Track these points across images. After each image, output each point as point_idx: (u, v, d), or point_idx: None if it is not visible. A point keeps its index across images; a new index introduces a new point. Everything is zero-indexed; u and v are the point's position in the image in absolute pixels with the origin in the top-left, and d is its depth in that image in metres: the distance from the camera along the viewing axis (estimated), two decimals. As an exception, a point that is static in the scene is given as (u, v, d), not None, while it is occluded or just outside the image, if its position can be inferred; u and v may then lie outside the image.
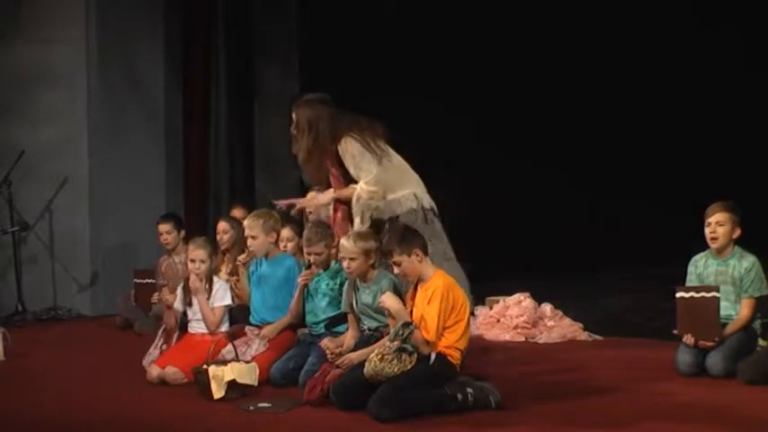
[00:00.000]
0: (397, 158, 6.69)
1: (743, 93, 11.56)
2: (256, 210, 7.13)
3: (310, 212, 7.11)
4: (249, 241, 6.73)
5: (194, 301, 6.58)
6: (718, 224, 6.35)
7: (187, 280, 6.65)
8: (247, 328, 6.70)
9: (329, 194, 6.71)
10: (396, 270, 5.71)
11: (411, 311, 5.67)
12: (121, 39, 9.65)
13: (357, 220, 6.49)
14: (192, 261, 6.57)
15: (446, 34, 10.84)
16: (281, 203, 6.94)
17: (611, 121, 11.63)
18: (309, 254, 6.38)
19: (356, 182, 6.55)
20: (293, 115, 6.65)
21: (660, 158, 11.82)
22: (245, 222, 6.86)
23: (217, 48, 10.42)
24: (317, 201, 6.85)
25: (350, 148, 6.51)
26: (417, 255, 5.65)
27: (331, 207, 6.76)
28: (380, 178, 6.48)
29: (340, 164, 6.59)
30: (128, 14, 9.69)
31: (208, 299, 6.55)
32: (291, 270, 6.67)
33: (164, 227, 8.45)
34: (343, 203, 6.63)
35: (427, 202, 6.64)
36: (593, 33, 11.41)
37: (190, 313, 6.63)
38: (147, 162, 9.90)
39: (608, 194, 11.54)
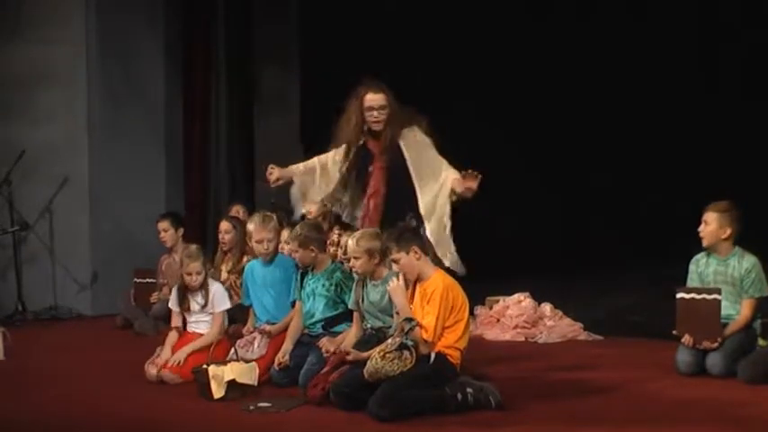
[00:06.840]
0: None
1: (743, 93, 11.56)
2: (259, 211, 7.11)
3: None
4: (265, 244, 6.64)
5: (192, 303, 6.58)
6: (705, 223, 6.40)
7: (183, 283, 6.61)
8: (245, 329, 6.69)
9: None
10: (395, 268, 5.71)
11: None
12: (121, 39, 9.65)
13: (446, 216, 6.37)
14: (189, 275, 6.54)
15: (446, 34, 10.84)
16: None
17: (611, 121, 11.63)
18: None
19: (397, 178, 6.43)
20: (383, 95, 6.52)
21: (660, 158, 11.82)
22: (255, 225, 6.75)
23: (217, 48, 10.42)
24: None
25: (424, 139, 6.56)
26: (416, 253, 5.65)
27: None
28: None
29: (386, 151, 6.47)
30: (127, 14, 9.69)
31: (205, 305, 6.55)
32: (289, 270, 6.66)
33: (161, 224, 8.59)
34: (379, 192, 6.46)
35: None
36: (593, 28, 11.43)
37: (187, 314, 6.62)
38: (148, 161, 9.90)
39: (608, 194, 11.54)
